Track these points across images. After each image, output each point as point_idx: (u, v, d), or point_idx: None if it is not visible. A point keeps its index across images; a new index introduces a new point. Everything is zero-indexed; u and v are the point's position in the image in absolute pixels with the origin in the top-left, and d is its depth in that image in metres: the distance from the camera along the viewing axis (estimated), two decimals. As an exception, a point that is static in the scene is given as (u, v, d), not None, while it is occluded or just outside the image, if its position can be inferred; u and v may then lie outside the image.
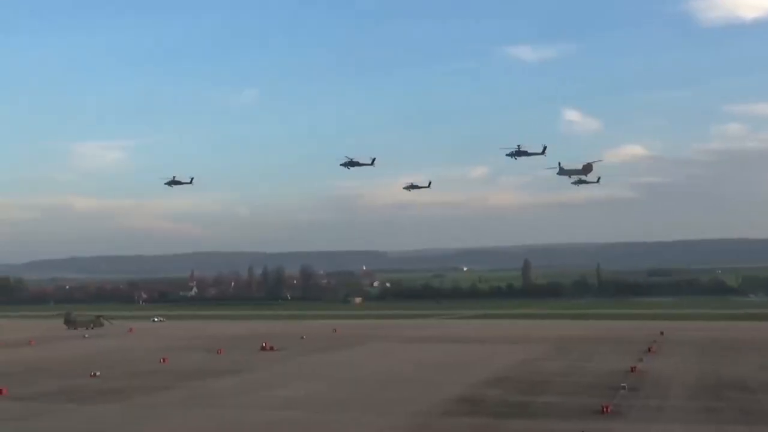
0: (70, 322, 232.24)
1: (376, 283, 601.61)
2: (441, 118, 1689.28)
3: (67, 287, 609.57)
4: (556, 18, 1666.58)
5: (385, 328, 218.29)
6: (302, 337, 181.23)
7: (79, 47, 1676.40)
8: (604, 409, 75.87)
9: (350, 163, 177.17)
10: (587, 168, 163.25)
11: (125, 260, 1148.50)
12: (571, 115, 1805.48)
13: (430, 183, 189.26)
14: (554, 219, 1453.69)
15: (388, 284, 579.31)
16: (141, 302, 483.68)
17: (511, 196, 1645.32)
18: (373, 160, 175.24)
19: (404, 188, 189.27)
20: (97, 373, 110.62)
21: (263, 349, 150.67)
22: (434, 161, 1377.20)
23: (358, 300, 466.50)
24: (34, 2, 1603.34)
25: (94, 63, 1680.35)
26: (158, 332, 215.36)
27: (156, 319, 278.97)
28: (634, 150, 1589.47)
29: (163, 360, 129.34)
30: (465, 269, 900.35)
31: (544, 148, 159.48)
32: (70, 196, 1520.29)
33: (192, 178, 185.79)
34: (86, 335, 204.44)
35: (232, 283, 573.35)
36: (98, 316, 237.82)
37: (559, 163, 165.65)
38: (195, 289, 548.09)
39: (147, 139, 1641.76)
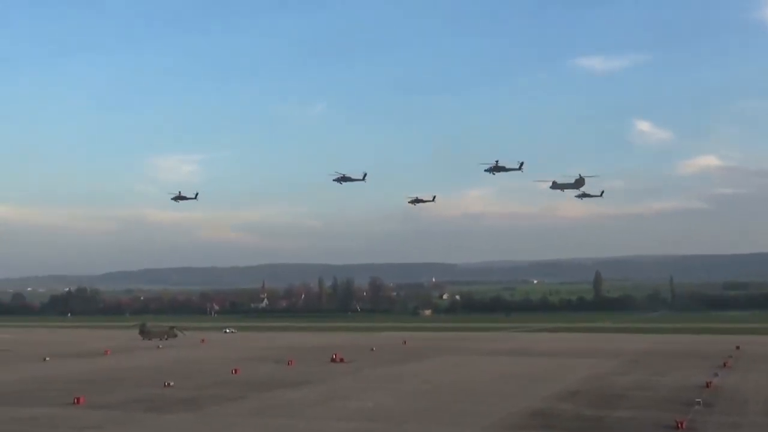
0: (144, 333, 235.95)
1: (445, 296, 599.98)
2: (511, 129, 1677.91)
3: (142, 298, 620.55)
4: (628, 28, 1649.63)
5: (454, 341, 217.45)
6: (372, 349, 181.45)
7: (157, 62, 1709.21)
8: (679, 425, 74.42)
9: (342, 179, 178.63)
10: (579, 182, 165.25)
11: (198, 272, 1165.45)
12: (642, 125, 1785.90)
13: (434, 197, 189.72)
14: (626, 231, 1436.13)
15: (457, 296, 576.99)
16: (213, 313, 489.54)
17: (581, 207, 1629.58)
18: (365, 175, 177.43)
19: (409, 202, 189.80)
20: (171, 383, 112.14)
21: (333, 360, 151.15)
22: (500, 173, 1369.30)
23: (427, 312, 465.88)
24: (113, 19, 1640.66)
25: (173, 78, 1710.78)
26: (230, 343, 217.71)
27: (228, 330, 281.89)
28: (708, 160, 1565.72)
29: (235, 371, 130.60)
30: (535, 282, 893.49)
31: (521, 164, 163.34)
32: (145, 208, 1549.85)
33: (197, 194, 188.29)
34: (160, 346, 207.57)
35: (303, 295, 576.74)
36: (172, 327, 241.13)
37: (554, 181, 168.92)
38: (266, 301, 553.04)
39: (221, 152, 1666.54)
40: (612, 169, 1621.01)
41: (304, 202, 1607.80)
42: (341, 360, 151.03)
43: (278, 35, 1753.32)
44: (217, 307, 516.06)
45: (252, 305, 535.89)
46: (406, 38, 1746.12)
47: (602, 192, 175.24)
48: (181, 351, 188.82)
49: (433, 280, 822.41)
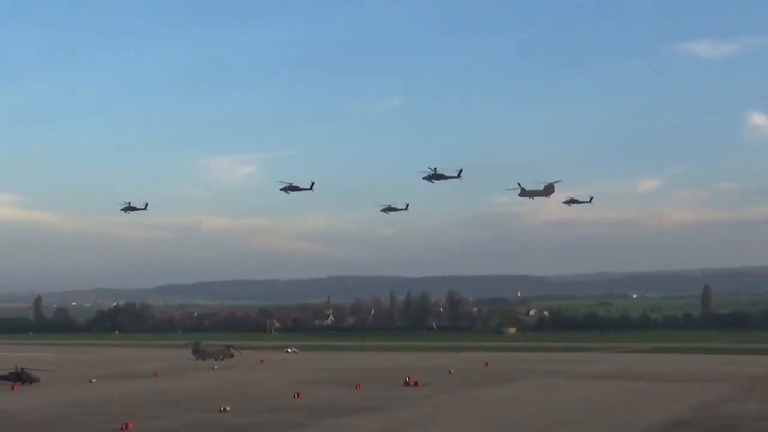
0: (198, 352, 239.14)
1: (532, 312, 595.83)
2: (603, 126, 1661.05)
3: (196, 314, 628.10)
4: (740, 8, 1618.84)
5: (542, 363, 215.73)
6: (450, 371, 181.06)
7: (210, 58, 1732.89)
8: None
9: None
10: (549, 189, 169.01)
11: (257, 285, 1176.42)
12: (757, 118, 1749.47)
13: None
14: (739, 238, 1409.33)
15: (546, 313, 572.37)
16: (273, 331, 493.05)
17: (688, 213, 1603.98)
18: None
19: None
20: (227, 408, 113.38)
21: (407, 384, 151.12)
22: (596, 173, 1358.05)
23: (512, 330, 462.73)
24: (164, 13, 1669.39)
25: (225, 73, 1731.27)
26: (292, 364, 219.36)
27: (289, 350, 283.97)
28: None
29: (297, 395, 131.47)
30: (635, 296, 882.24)
31: (460, 171, 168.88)
32: (200, 215, 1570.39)
33: (146, 204, 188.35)
34: (215, 366, 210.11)
35: (372, 311, 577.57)
36: (228, 346, 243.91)
37: (519, 183, 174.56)
38: (331, 317, 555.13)
39: (281, 152, 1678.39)
40: (721, 168, 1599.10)
41: (375, 207, 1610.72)
42: (415, 384, 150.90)
43: (345, 23, 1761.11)
44: (277, 324, 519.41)
45: (316, 322, 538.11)
46: (485, 27, 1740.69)
47: (591, 198, 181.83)
48: (239, 372, 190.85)
49: (519, 294, 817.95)
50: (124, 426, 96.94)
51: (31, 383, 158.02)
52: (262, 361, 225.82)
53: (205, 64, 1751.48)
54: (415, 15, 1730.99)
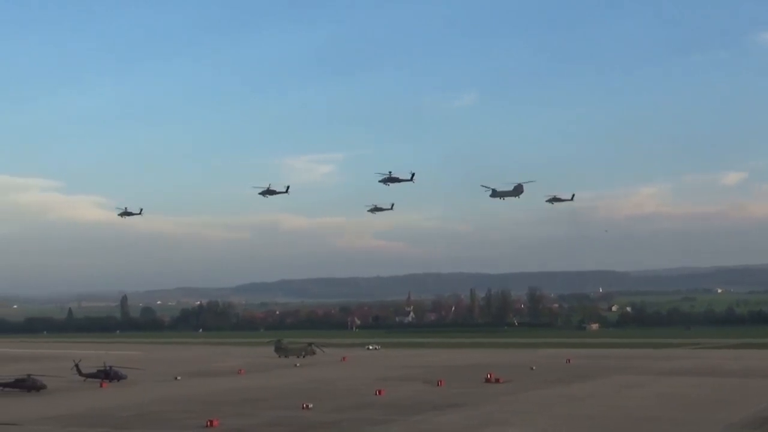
0: (280, 350, 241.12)
1: (614, 307, 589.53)
2: (682, 118, 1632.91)
3: (278, 312, 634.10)
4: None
5: (625, 359, 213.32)
6: (532, 368, 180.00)
7: (289, 58, 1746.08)
8: None
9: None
10: (518, 189, 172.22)
11: (337, 283, 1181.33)
12: None
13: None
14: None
15: (628, 308, 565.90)
16: (354, 328, 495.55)
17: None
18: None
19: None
20: (310, 405, 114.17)
21: (488, 380, 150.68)
22: (680, 167, 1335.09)
23: (594, 326, 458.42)
24: (237, 13, 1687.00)
25: (304, 73, 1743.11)
26: (373, 361, 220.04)
27: (371, 347, 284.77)
28: None
29: (379, 392, 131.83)
30: (719, 291, 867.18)
31: (412, 174, 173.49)
32: (279, 214, 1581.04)
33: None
34: (297, 364, 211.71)
35: (453, 308, 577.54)
36: (310, 344, 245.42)
37: (485, 186, 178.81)
38: (412, 314, 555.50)
39: (359, 150, 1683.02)
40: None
41: (455, 204, 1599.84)
42: (497, 380, 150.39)
43: (422, 17, 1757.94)
44: (358, 322, 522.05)
45: (397, 319, 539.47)
46: (565, 16, 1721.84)
47: (573, 195, 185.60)
48: (320, 370, 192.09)
49: (600, 290, 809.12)
50: (209, 423, 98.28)
51: (118, 381, 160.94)
52: (344, 358, 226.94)
53: (285, 64, 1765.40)
54: (492, 7, 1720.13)
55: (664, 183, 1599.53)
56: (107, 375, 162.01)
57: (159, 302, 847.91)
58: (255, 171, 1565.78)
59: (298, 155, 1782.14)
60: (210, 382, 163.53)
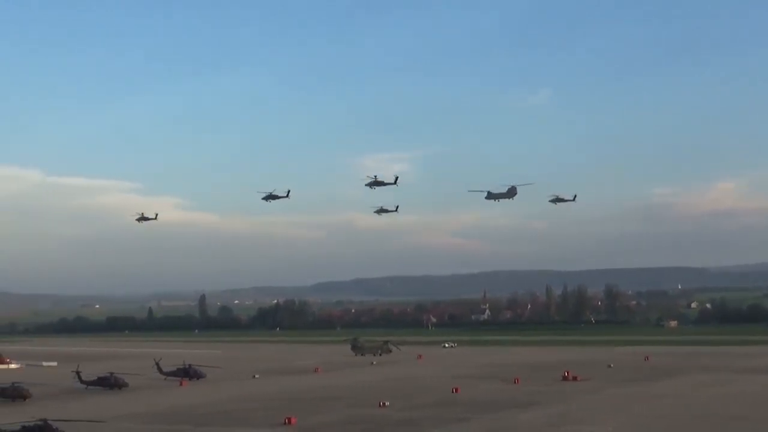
0: (357, 348, 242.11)
1: (694, 304, 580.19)
2: (760, 110, 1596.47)
3: (353, 310, 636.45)
4: None
5: (706, 357, 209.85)
6: (609, 366, 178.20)
7: (359, 56, 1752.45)
8: None
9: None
10: (512, 191, 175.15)
11: (412, 281, 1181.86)
12: None
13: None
14: None
15: (708, 305, 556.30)
16: (430, 326, 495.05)
17: None
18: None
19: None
20: (386, 403, 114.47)
21: (565, 378, 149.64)
22: (754, 160, 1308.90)
23: (673, 323, 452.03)
24: (307, 11, 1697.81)
25: (376, 71, 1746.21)
26: (449, 359, 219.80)
27: (447, 345, 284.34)
28: None
29: (455, 390, 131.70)
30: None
31: (396, 178, 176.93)
32: (353, 213, 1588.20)
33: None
34: (374, 362, 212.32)
35: (529, 305, 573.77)
36: (386, 342, 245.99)
37: (469, 190, 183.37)
38: (488, 312, 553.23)
39: (435, 148, 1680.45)
40: None
41: (531, 200, 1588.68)
42: (574, 378, 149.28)
43: (493, 12, 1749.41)
44: (434, 320, 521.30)
45: (473, 317, 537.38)
46: (637, 10, 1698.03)
47: (575, 196, 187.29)
48: (397, 368, 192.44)
49: (679, 286, 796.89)
50: (286, 420, 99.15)
51: (198, 379, 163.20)
52: (420, 356, 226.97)
53: (358, 63, 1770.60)
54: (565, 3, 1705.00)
55: (741, 177, 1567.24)
56: (187, 373, 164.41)
57: (236, 301, 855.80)
58: (329, 170, 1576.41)
59: (372, 154, 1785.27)
60: (287, 380, 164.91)
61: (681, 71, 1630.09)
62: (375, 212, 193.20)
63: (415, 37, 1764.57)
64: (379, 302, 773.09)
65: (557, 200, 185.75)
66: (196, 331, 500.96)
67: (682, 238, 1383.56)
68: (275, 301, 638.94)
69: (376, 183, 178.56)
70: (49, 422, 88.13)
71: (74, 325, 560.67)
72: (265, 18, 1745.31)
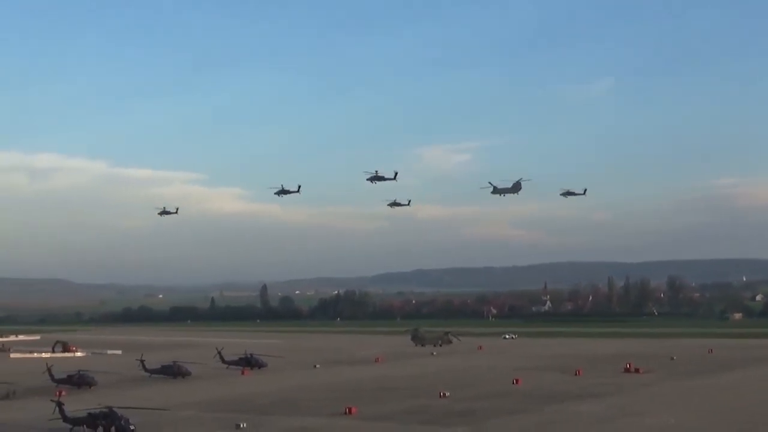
0: (417, 339, 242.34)
1: (759, 297, 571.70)
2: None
3: (414, 301, 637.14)
4: None
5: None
6: (672, 358, 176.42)
7: (420, 47, 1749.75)
8: None
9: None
10: (516, 186, 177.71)
11: (473, 272, 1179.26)
12: None
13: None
14: None
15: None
16: (490, 317, 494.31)
17: None
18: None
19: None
20: (447, 394, 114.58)
21: (627, 370, 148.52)
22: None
23: (737, 316, 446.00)
24: (376, 6, 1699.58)
25: (434, 62, 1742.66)
26: (509, 350, 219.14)
27: (507, 336, 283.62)
28: None
29: (516, 381, 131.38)
30: None
31: (396, 173, 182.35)
32: (415, 204, 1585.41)
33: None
34: (434, 353, 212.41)
35: (590, 297, 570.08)
36: (446, 333, 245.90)
37: (489, 182, 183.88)
38: (549, 304, 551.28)
39: (494, 140, 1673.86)
40: None
41: (592, 192, 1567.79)
42: (636, 370, 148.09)
43: (552, 6, 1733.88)
44: (494, 311, 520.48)
45: (533, 308, 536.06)
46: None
47: (585, 190, 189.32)
48: (457, 358, 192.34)
49: (744, 279, 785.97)
50: (347, 410, 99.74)
51: (259, 368, 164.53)
52: (480, 347, 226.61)
53: (415, 53, 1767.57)
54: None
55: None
56: (248, 362, 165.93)
57: (297, 292, 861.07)
58: (390, 162, 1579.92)
59: (433, 145, 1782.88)
60: (348, 370, 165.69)
61: (741, 60, 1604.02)
62: (388, 205, 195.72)
63: (475, 28, 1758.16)
64: (439, 293, 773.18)
65: (568, 194, 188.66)
66: (258, 320, 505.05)
67: (746, 230, 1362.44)
68: (336, 291, 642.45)
69: (376, 177, 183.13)
70: (114, 410, 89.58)
71: (138, 315, 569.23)
72: (324, 13, 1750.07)
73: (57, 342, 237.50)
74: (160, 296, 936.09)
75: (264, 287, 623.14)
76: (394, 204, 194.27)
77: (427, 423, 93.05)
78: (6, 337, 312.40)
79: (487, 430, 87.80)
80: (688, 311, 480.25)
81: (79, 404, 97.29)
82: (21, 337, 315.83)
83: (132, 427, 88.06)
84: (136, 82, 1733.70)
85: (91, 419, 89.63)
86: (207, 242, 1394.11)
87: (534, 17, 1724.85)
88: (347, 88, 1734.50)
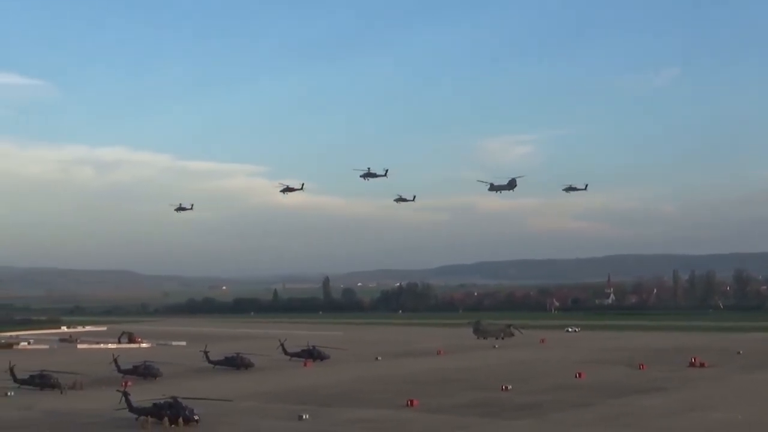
0: (479, 331, 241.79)
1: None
2: None
3: (476, 294, 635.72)
4: None
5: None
6: (738, 352, 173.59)
7: (485, 39, 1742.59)
8: None
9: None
10: (512, 183, 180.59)
11: (535, 265, 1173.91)
12: None
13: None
14: None
15: None
16: (553, 310, 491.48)
17: None
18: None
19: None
20: (509, 387, 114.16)
21: (692, 364, 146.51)
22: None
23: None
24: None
25: (498, 53, 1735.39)
26: (572, 343, 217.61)
27: (570, 329, 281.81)
28: None
29: (579, 374, 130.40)
30: None
31: (386, 171, 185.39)
32: (476, 196, 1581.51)
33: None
34: (496, 345, 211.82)
35: (654, 290, 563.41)
36: (508, 325, 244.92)
37: (483, 181, 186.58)
38: (612, 297, 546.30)
39: (557, 131, 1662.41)
40: None
41: (657, 184, 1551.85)
42: (702, 364, 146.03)
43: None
44: (557, 304, 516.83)
45: (597, 301, 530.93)
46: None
47: (586, 185, 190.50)
48: (519, 351, 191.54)
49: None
50: (409, 402, 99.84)
51: (321, 360, 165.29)
52: (543, 340, 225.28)
53: (475, 44, 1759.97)
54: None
55: None
56: (311, 354, 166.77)
57: (360, 284, 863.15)
58: (453, 153, 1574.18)
59: (495, 136, 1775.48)
60: (410, 362, 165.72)
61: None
62: (394, 200, 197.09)
63: (535, 18, 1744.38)
64: (501, 286, 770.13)
65: (570, 189, 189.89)
66: (320, 312, 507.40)
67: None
68: (398, 283, 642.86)
69: (369, 174, 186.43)
70: (179, 400, 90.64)
71: (202, 306, 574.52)
72: (386, 6, 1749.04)
73: (123, 333, 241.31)
74: (224, 288, 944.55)
75: (326, 279, 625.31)
76: (400, 199, 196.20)
77: (488, 416, 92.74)
78: (73, 328, 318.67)
79: (550, 423, 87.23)
80: (756, 304, 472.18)
81: (144, 394, 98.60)
82: (88, 328, 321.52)
83: (196, 417, 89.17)
84: (200, 76, 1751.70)
85: (156, 409, 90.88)
86: (270, 234, 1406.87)
87: (595, 7, 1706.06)
88: (408, 81, 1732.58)
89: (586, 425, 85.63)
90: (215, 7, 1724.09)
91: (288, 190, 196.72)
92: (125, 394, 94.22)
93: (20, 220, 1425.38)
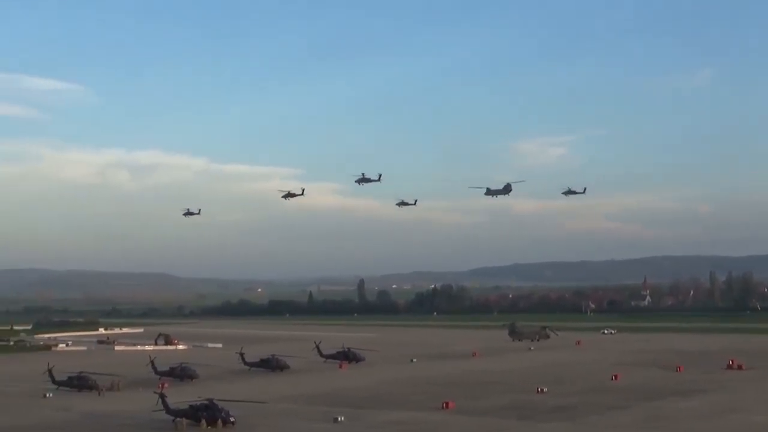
0: (514, 333, 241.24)
1: None
2: None
3: (511, 296, 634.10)
4: None
5: None
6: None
7: (517, 41, 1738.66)
8: None
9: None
10: (507, 188, 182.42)
11: (570, 266, 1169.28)
12: None
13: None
14: None
15: None
16: (588, 312, 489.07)
17: None
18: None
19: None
20: (544, 389, 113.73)
21: (730, 367, 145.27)
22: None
23: None
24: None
25: (531, 57, 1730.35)
26: (608, 345, 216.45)
27: (606, 331, 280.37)
28: None
29: (615, 377, 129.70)
30: None
31: (380, 175, 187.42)
32: (511, 198, 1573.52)
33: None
34: (531, 347, 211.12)
35: (691, 292, 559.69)
36: (543, 327, 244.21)
37: (478, 187, 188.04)
38: (648, 298, 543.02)
39: (590, 132, 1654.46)
40: None
41: (694, 184, 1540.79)
42: (739, 367, 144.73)
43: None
44: (593, 306, 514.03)
45: (633, 303, 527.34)
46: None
47: (585, 189, 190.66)
48: (555, 353, 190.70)
49: None
50: (444, 405, 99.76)
51: (357, 362, 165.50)
52: (578, 342, 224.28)
53: (509, 46, 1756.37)
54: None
55: None
56: (346, 356, 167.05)
57: (394, 286, 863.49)
58: (488, 155, 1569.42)
59: (531, 138, 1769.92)
60: (445, 364, 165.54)
61: None
62: (396, 204, 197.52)
63: (570, 19, 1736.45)
64: (536, 287, 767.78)
65: (569, 192, 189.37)
66: (355, 314, 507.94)
67: None
68: (433, 285, 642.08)
69: (363, 180, 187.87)
70: (215, 402, 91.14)
71: (238, 308, 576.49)
72: (423, 9, 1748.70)
73: (160, 335, 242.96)
74: (260, 290, 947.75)
75: (361, 281, 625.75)
76: (402, 203, 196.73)
77: (524, 418, 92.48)
78: (111, 330, 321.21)
79: (586, 426, 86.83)
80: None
81: (181, 396, 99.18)
82: (125, 330, 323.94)
83: (232, 419, 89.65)
84: (236, 79, 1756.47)
85: (193, 411, 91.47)
86: (305, 237, 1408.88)
87: (630, 7, 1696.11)
88: (442, 84, 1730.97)
89: (621, 428, 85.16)
90: (247, 10, 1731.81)
91: (289, 195, 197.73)
92: (162, 396, 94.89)
93: (58, 223, 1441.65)
